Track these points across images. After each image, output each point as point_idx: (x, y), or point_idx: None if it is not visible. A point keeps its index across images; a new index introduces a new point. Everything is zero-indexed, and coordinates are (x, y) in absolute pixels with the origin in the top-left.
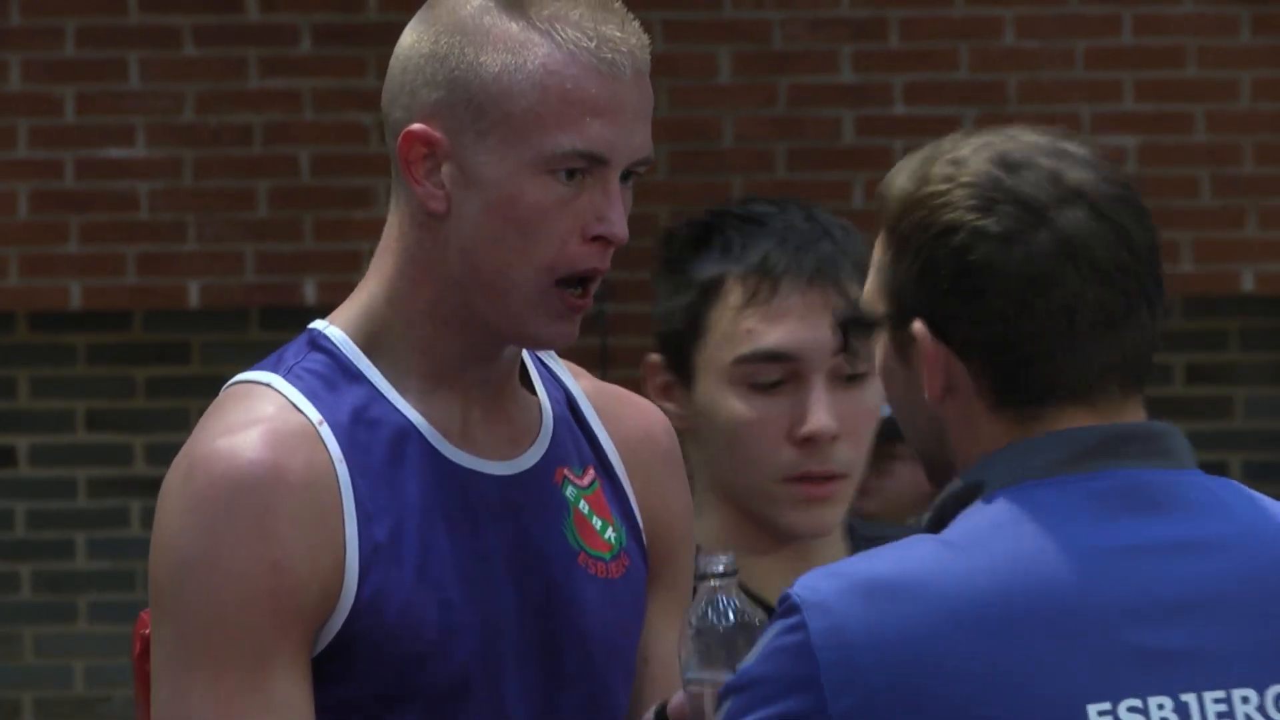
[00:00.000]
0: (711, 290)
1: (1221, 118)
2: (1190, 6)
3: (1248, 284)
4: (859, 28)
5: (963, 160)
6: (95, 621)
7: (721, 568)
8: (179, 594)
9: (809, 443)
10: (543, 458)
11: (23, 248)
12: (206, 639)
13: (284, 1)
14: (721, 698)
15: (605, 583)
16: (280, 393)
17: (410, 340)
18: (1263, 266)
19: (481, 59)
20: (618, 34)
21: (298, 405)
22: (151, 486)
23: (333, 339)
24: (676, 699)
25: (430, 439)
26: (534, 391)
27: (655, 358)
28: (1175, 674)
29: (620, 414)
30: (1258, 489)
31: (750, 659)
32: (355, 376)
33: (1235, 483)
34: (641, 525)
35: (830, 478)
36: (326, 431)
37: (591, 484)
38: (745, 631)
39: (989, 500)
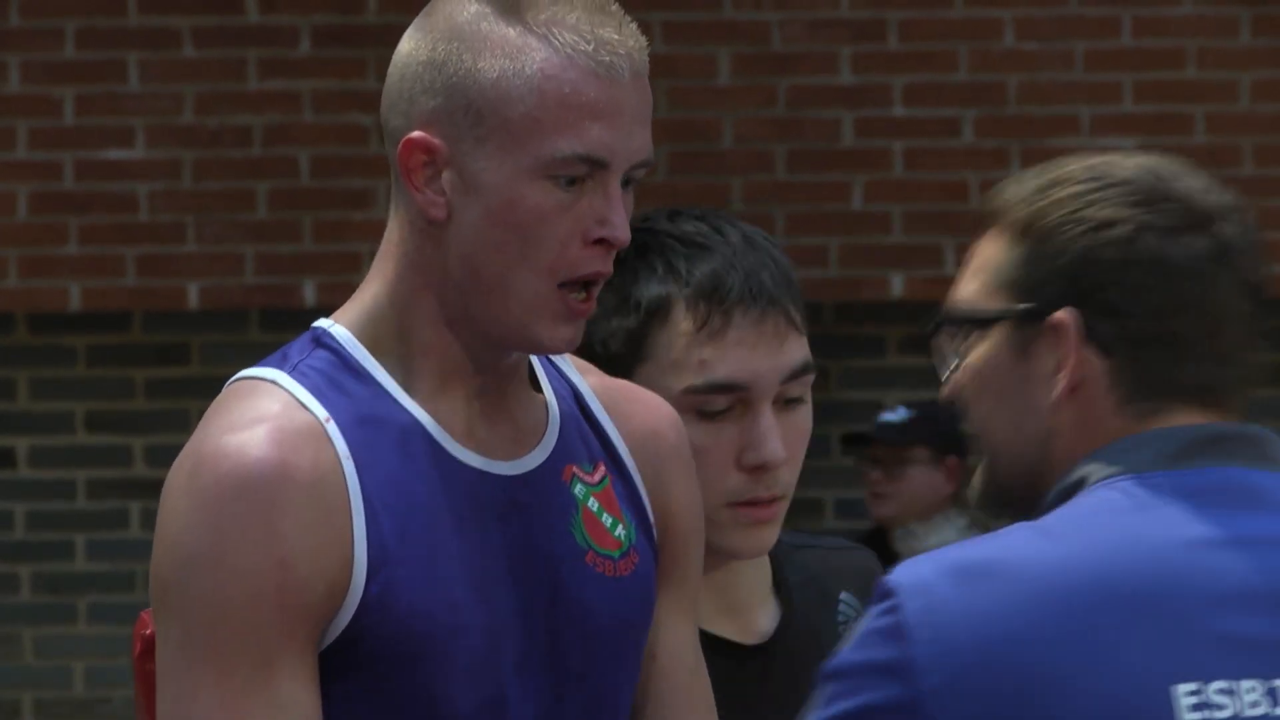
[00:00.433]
0: (657, 314)
1: (1221, 119)
2: (1190, 8)
3: None
4: (858, 29)
5: (1103, 167)
6: (95, 623)
7: None
8: (184, 591)
9: (759, 469)
10: (550, 456)
11: (22, 249)
12: (212, 636)
13: (284, 3)
14: (818, 684)
15: (613, 581)
16: (286, 389)
17: (414, 342)
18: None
19: (479, 65)
20: (615, 37)
21: (304, 402)
22: (151, 488)
23: (337, 337)
24: None
25: (437, 438)
26: (540, 390)
27: None
28: (1266, 660)
29: (629, 410)
30: None
31: (846, 645)
32: (361, 375)
33: None
34: (653, 520)
35: (774, 500)
36: (333, 429)
37: (602, 480)
38: None
39: (1089, 492)
